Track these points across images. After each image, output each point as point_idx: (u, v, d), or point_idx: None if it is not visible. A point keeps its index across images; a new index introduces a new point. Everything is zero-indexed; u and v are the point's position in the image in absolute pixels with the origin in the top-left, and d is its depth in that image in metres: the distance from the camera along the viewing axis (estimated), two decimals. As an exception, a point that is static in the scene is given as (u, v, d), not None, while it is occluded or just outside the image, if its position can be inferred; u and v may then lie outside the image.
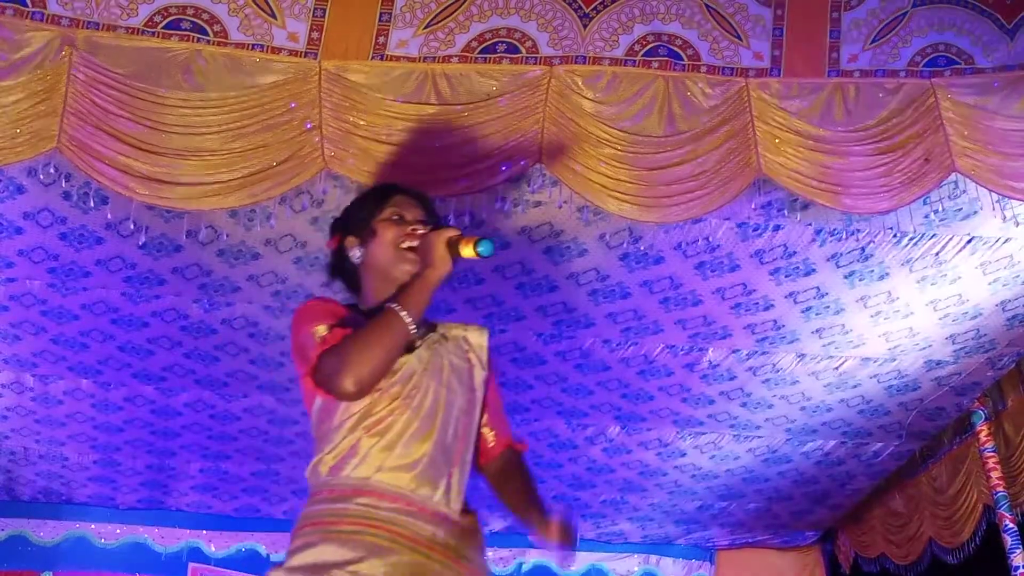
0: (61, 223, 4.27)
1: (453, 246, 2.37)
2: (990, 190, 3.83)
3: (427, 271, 2.38)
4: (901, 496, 6.83)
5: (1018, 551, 5.58)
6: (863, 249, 4.50)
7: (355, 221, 2.63)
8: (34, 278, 4.65)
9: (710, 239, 4.44)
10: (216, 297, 4.80)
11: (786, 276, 4.70)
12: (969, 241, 4.42)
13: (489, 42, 3.65)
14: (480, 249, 2.32)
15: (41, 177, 3.87)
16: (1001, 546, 5.64)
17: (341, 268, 2.65)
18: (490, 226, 4.23)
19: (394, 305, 2.32)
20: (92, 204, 4.05)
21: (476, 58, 3.62)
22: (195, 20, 3.50)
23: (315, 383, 2.30)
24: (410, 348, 2.41)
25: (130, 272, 4.60)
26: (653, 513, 7.24)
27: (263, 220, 4.17)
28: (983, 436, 5.79)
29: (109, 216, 4.10)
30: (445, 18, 3.62)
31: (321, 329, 2.33)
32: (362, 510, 2.26)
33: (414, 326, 2.31)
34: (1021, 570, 5.56)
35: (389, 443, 2.31)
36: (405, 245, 2.50)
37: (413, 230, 2.52)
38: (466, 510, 2.38)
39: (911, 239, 4.41)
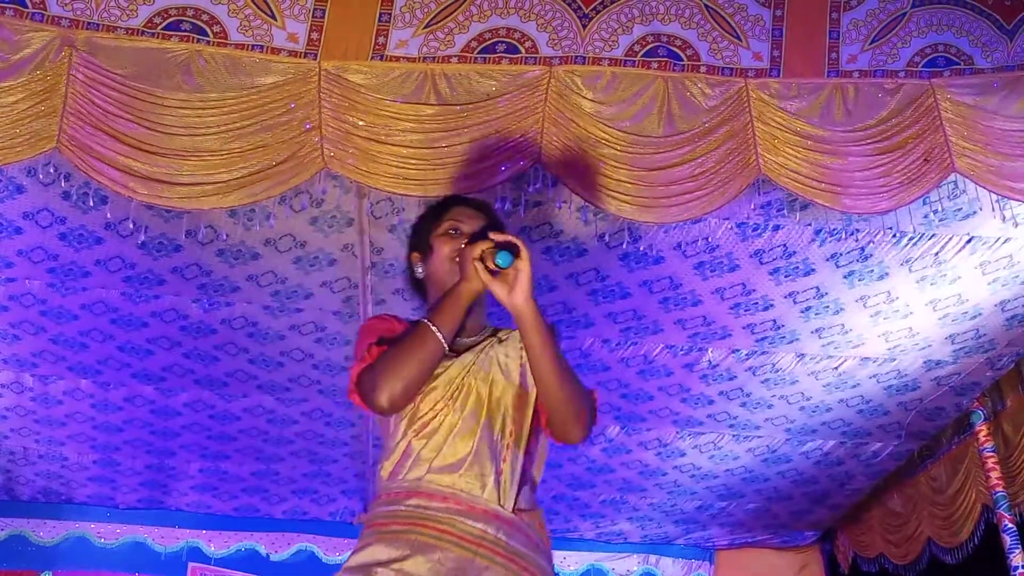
0: (61, 223, 4.27)
1: (488, 258, 2.33)
2: (989, 190, 3.83)
3: (459, 284, 2.38)
4: (900, 496, 6.83)
5: (1017, 551, 5.59)
6: (862, 249, 4.50)
7: (417, 237, 2.69)
8: (34, 278, 4.65)
9: (709, 239, 4.44)
10: (216, 297, 4.80)
11: (785, 276, 4.70)
12: (969, 241, 4.43)
13: (489, 42, 3.65)
14: (497, 261, 2.29)
15: (40, 177, 3.88)
16: (999, 546, 5.64)
17: (414, 283, 2.73)
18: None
19: (425, 319, 2.35)
20: (91, 204, 4.05)
21: (476, 58, 3.62)
22: (195, 21, 3.50)
23: (358, 401, 2.37)
24: (457, 352, 2.45)
25: (129, 272, 4.61)
26: (653, 513, 7.24)
27: (263, 220, 4.17)
28: (982, 436, 5.79)
29: (108, 216, 4.10)
30: (445, 18, 3.62)
31: (366, 348, 2.41)
32: (412, 511, 2.31)
33: (445, 337, 2.33)
34: (1020, 570, 5.56)
35: (436, 444, 2.36)
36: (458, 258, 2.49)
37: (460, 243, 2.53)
38: (525, 507, 2.38)
39: (911, 239, 4.41)
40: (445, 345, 2.33)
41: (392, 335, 2.44)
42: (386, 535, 2.29)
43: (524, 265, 2.30)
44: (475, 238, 2.45)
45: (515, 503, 2.35)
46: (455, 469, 2.33)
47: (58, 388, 5.62)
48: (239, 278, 4.66)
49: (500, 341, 2.52)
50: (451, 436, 2.36)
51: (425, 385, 2.36)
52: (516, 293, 2.31)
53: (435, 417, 2.38)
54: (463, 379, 2.42)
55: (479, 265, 2.32)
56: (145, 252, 4.44)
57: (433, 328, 2.32)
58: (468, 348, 2.49)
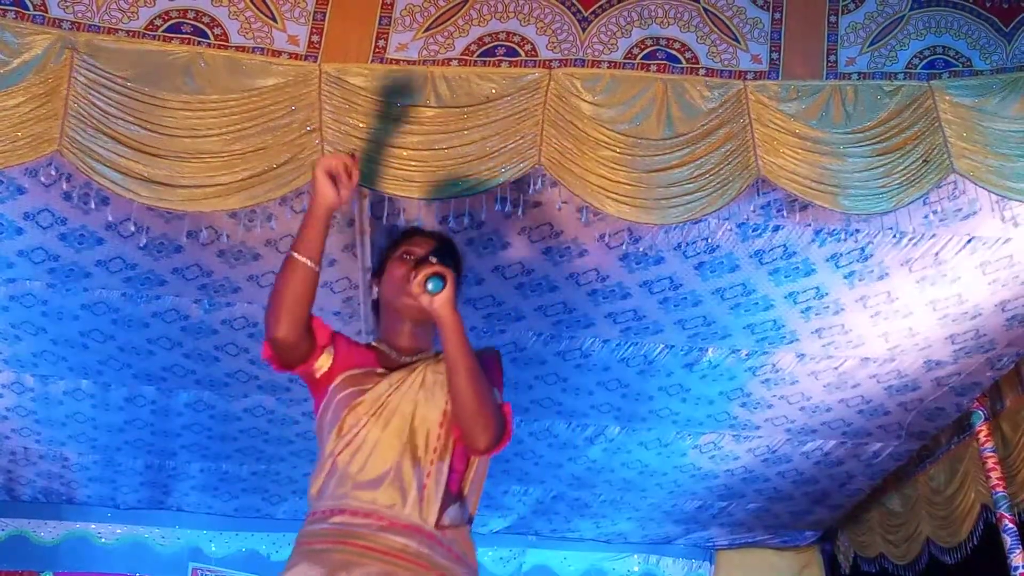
0: (61, 224, 4.27)
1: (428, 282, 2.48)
2: (989, 191, 3.84)
3: (312, 201, 2.58)
4: (899, 496, 6.84)
5: (1017, 551, 5.58)
6: (863, 249, 4.50)
7: (378, 263, 2.83)
8: (34, 279, 4.65)
9: (709, 239, 4.44)
10: (216, 297, 4.81)
11: (785, 276, 4.70)
12: (969, 241, 4.43)
13: (488, 45, 3.66)
14: (428, 287, 2.45)
15: (41, 178, 3.87)
16: (998, 546, 5.64)
17: (373, 306, 2.86)
18: (489, 226, 4.23)
19: (291, 251, 2.49)
20: (92, 205, 4.05)
21: (475, 61, 3.63)
22: (196, 23, 3.51)
23: (267, 352, 2.54)
24: (392, 369, 2.59)
25: (130, 273, 4.61)
26: (653, 513, 7.24)
27: (263, 221, 4.18)
28: (982, 436, 5.79)
29: (110, 217, 4.10)
30: (444, 22, 3.63)
31: None
32: (337, 528, 2.38)
33: (309, 259, 2.47)
34: (1021, 570, 5.56)
35: (360, 460, 2.44)
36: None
37: (411, 266, 2.63)
38: (449, 523, 2.43)
39: (911, 239, 4.41)
40: (310, 264, 2.47)
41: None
42: (311, 554, 2.35)
43: (449, 282, 2.46)
44: (420, 262, 2.57)
45: (438, 518, 2.40)
46: (376, 485, 2.40)
47: (59, 388, 5.62)
48: (240, 279, 4.66)
49: (437, 362, 2.60)
50: (374, 452, 2.44)
51: (304, 316, 2.48)
52: (436, 298, 2.44)
53: (359, 433, 2.47)
54: (388, 396, 2.51)
55: (418, 287, 2.45)
56: (146, 253, 4.44)
57: (293, 254, 2.46)
58: (402, 366, 2.60)
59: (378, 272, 2.80)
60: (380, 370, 2.58)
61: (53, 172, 3.77)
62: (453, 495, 2.47)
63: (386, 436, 2.45)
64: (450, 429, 2.49)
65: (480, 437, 2.43)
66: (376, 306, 2.81)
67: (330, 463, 2.46)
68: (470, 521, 2.54)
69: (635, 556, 7.85)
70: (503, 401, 2.57)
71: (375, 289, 2.79)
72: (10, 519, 7.11)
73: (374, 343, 2.73)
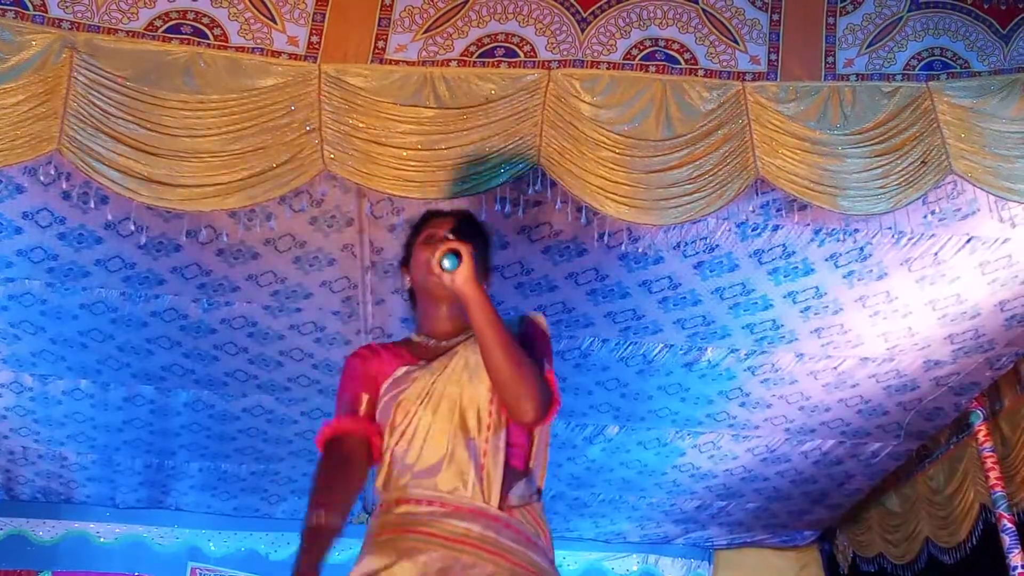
0: (60, 223, 4.27)
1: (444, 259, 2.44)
2: (987, 192, 3.85)
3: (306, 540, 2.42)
4: (898, 496, 6.84)
5: (1016, 551, 5.59)
6: (862, 249, 4.51)
7: (405, 252, 2.80)
8: (33, 278, 4.65)
9: (709, 239, 4.45)
10: (215, 297, 4.81)
11: (785, 276, 4.71)
12: (968, 241, 4.43)
13: (487, 46, 3.67)
14: (444, 264, 2.41)
15: (40, 177, 3.87)
16: (997, 545, 5.64)
17: (408, 296, 2.83)
18: (489, 226, 4.22)
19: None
20: (92, 204, 4.05)
21: (475, 62, 3.63)
22: (195, 24, 3.52)
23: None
24: (433, 358, 2.56)
25: (129, 272, 4.61)
26: (652, 513, 7.24)
27: (263, 220, 4.18)
28: (981, 436, 5.79)
29: (109, 216, 4.11)
30: (444, 23, 3.63)
31: (337, 409, 2.65)
32: (402, 519, 2.38)
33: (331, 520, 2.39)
34: (1020, 570, 5.57)
35: (416, 449, 2.43)
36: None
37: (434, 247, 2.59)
38: (516, 502, 2.40)
39: (910, 239, 4.42)
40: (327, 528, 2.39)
41: (352, 399, 2.61)
42: (376, 545, 2.36)
43: (466, 257, 2.39)
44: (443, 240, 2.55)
45: (502, 499, 2.37)
46: (435, 472, 2.39)
47: (58, 388, 5.62)
48: (239, 278, 4.67)
49: (474, 340, 2.54)
50: (427, 440, 2.43)
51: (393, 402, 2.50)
52: (456, 274, 2.39)
53: (410, 424, 2.45)
54: (433, 383, 2.49)
55: (436, 267, 2.42)
56: (145, 252, 4.44)
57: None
58: (443, 352, 2.58)
59: (405, 261, 2.77)
60: (421, 363, 2.56)
61: (52, 171, 3.77)
62: (519, 472, 2.45)
63: (437, 422, 2.44)
64: (500, 405, 2.44)
65: (523, 408, 2.37)
66: (412, 296, 2.77)
67: (388, 456, 2.46)
68: (539, 494, 2.51)
69: (634, 556, 7.85)
70: (550, 368, 2.51)
71: (406, 279, 2.75)
72: (9, 518, 7.10)
73: (412, 337, 2.71)
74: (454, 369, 2.51)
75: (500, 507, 2.36)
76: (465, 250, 2.40)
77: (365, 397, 2.58)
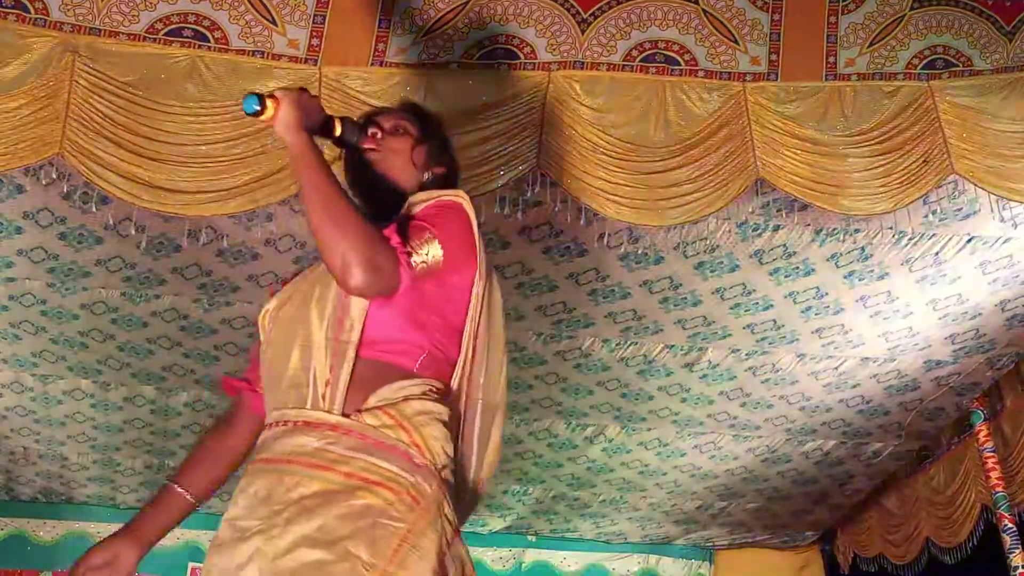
0: (61, 223, 4.28)
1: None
2: (989, 192, 3.84)
3: None
4: (899, 496, 6.83)
5: (1017, 551, 5.58)
6: (863, 249, 4.50)
7: None
8: (34, 278, 4.65)
9: (709, 239, 4.44)
10: (216, 297, 4.81)
11: (785, 276, 4.70)
12: (969, 241, 4.42)
13: (488, 48, 3.66)
14: (244, 108, 2.09)
15: (41, 177, 3.87)
16: (998, 546, 5.64)
17: None
18: (489, 226, 4.23)
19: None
20: (92, 204, 4.05)
21: (475, 64, 3.63)
22: (196, 27, 3.52)
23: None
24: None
25: (130, 272, 4.61)
26: (653, 513, 7.24)
27: (263, 221, 4.18)
28: (982, 436, 5.79)
29: (109, 216, 4.11)
30: (444, 25, 3.63)
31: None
32: (255, 451, 2.12)
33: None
34: (1021, 570, 5.56)
35: (265, 366, 2.16)
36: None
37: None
38: (378, 402, 1.98)
39: (911, 239, 4.41)
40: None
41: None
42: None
43: (284, 101, 2.05)
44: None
45: (351, 402, 1.98)
46: (278, 387, 2.07)
47: (58, 388, 5.63)
48: (239, 278, 4.66)
49: None
50: (274, 352, 2.12)
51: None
52: (276, 121, 2.05)
53: (265, 340, 2.18)
54: (295, 287, 2.20)
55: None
56: (145, 252, 4.44)
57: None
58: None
59: None
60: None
61: (53, 172, 3.77)
62: (396, 371, 2.03)
63: (282, 329, 2.13)
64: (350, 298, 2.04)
65: (346, 273, 1.92)
66: None
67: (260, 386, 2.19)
68: (440, 393, 2.07)
69: (635, 556, 7.85)
70: (419, 234, 2.07)
71: None
72: (9, 519, 7.12)
73: None
74: (314, 267, 2.21)
75: (347, 412, 1.97)
76: (286, 95, 2.06)
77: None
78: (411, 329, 2.07)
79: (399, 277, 1.99)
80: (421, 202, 2.18)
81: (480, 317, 2.15)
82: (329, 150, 2.30)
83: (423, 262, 2.05)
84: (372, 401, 1.97)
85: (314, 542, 1.81)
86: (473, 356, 2.15)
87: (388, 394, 1.98)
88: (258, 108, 2.05)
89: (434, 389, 2.05)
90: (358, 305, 2.03)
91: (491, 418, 2.20)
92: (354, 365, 2.01)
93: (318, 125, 2.16)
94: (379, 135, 2.32)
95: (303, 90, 2.12)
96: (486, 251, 2.18)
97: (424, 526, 1.85)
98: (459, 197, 2.19)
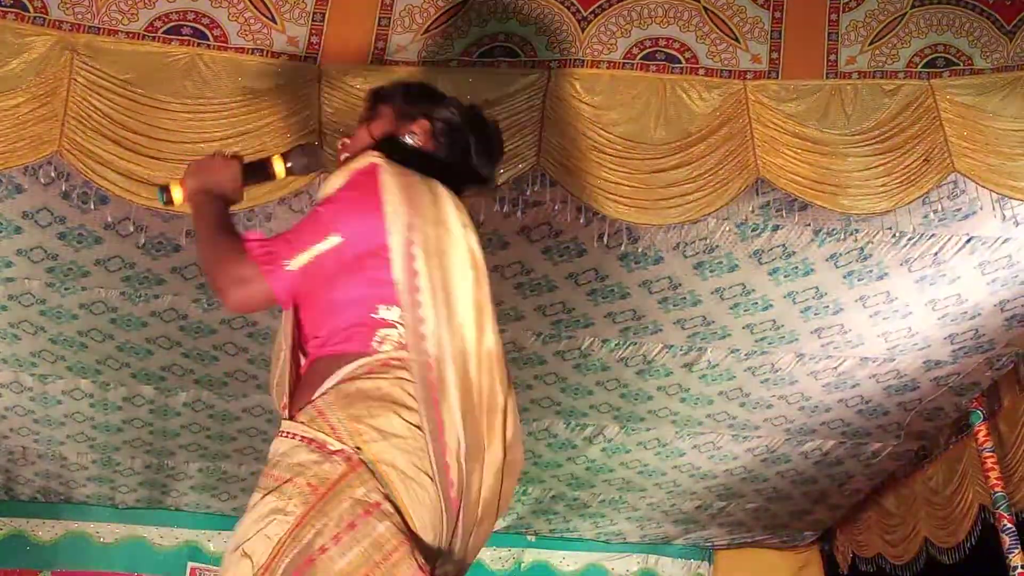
0: (60, 222, 4.28)
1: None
2: (990, 190, 3.84)
3: None
4: (897, 496, 6.83)
5: (1016, 551, 5.58)
6: (862, 249, 4.50)
7: None
8: (33, 277, 4.65)
9: (708, 239, 4.44)
10: (215, 297, 4.80)
11: (785, 276, 4.70)
12: (968, 241, 4.42)
13: (487, 46, 3.66)
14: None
15: (40, 177, 3.88)
16: (996, 546, 5.63)
17: None
18: (489, 226, 4.23)
19: None
20: (91, 204, 4.05)
21: (475, 62, 3.63)
22: (195, 25, 3.52)
23: None
24: None
25: (129, 272, 4.61)
26: (652, 513, 7.24)
27: (262, 220, 4.17)
28: (981, 436, 5.78)
29: (108, 216, 4.11)
30: (444, 23, 3.62)
31: None
32: None
33: None
34: (1019, 570, 5.56)
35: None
36: None
37: None
38: (310, 397, 1.97)
39: (910, 239, 4.41)
40: None
41: None
42: None
43: (174, 188, 2.23)
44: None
45: (291, 403, 2.04)
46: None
47: (57, 388, 5.62)
48: (239, 278, 4.65)
49: None
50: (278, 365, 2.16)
51: None
52: (186, 199, 2.20)
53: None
54: None
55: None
56: (144, 252, 4.44)
57: None
58: None
59: None
60: None
61: (52, 171, 3.77)
62: (332, 359, 2.01)
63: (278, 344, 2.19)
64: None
65: (220, 297, 2.00)
66: None
67: None
68: (398, 364, 1.98)
69: (634, 556, 7.84)
70: (293, 233, 2.04)
71: None
72: (9, 518, 7.11)
73: None
74: None
75: (292, 414, 1.99)
76: (188, 169, 2.24)
77: None
78: (343, 313, 2.04)
79: (273, 279, 1.98)
80: (332, 182, 2.15)
81: (414, 268, 2.02)
82: None
83: (306, 251, 2.01)
84: (314, 397, 1.96)
85: (235, 546, 1.84)
86: (416, 309, 2.00)
87: (326, 386, 1.96)
88: (166, 198, 2.20)
89: (382, 362, 1.98)
90: (287, 314, 2.13)
91: (462, 366, 2.02)
92: (301, 368, 2.10)
93: (241, 176, 2.24)
94: (347, 141, 2.38)
95: (216, 154, 2.26)
96: (434, 205, 2.10)
97: (315, 514, 1.79)
98: (364, 158, 2.15)
